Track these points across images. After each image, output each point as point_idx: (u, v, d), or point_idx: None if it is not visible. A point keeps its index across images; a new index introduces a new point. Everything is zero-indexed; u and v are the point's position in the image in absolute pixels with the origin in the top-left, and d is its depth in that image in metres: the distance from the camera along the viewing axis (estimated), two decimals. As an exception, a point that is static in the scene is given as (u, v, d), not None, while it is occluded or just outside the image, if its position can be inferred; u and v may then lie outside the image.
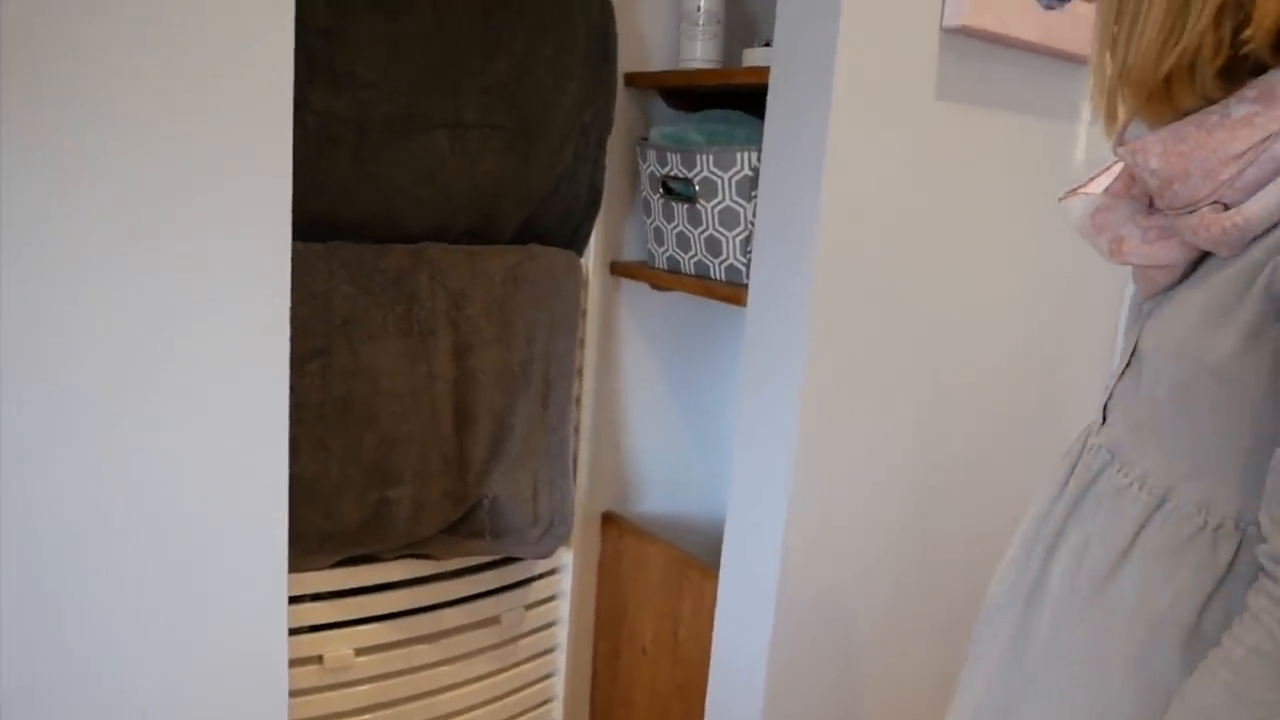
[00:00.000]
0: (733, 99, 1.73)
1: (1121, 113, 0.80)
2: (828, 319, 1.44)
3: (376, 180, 1.37)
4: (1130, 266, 0.83)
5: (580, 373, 1.73)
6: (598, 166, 1.62)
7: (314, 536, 1.42)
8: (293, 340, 1.35)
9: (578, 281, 1.63)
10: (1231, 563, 0.76)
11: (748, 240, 1.57)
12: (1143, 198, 0.83)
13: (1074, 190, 0.87)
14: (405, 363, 1.43)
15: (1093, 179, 0.87)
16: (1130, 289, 0.93)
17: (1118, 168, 0.85)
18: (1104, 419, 0.89)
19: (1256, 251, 0.72)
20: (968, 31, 1.49)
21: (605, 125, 1.60)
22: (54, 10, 0.86)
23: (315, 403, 1.38)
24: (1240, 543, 0.76)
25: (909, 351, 1.56)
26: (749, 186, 1.54)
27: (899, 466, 1.61)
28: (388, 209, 1.40)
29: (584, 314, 1.69)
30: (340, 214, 1.37)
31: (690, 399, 1.98)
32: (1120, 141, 0.80)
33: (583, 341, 1.71)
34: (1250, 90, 0.72)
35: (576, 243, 1.65)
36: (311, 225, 1.35)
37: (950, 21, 1.47)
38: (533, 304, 1.56)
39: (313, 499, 1.40)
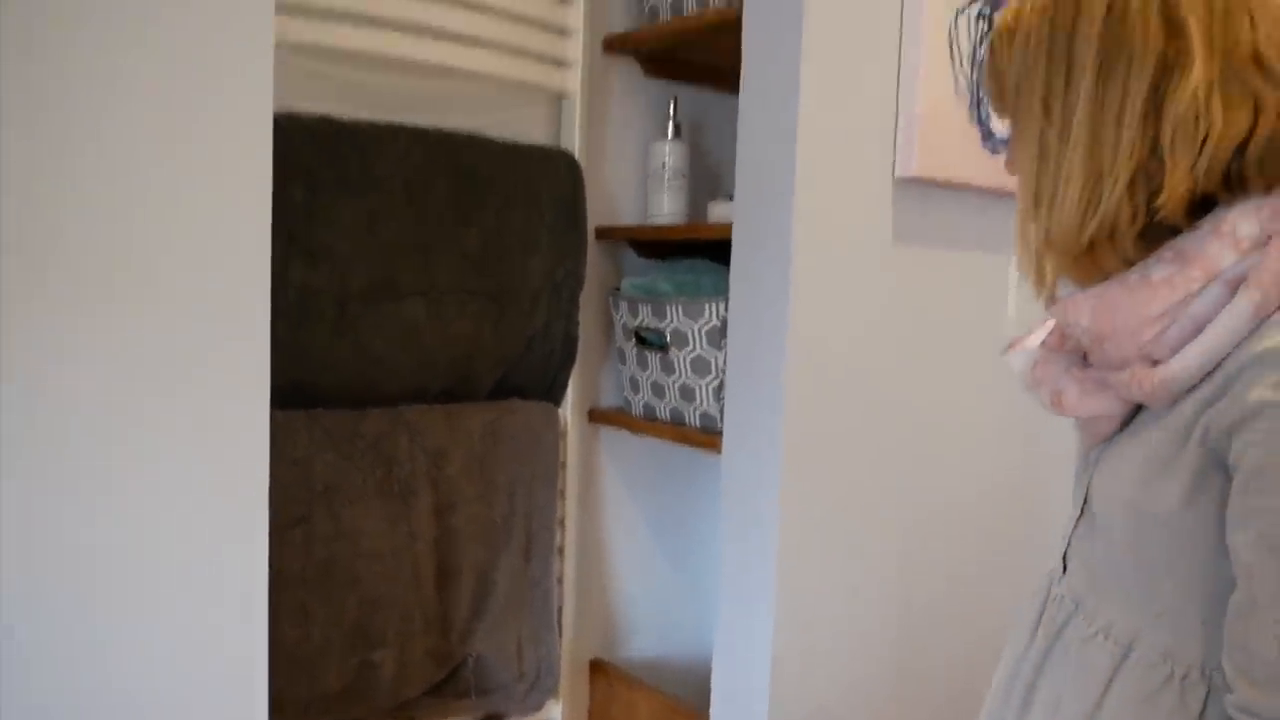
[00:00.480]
0: (701, 247, 1.80)
1: (1049, 273, 0.85)
2: (800, 461, 1.47)
3: (355, 348, 1.42)
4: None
5: (562, 523, 1.74)
6: (571, 321, 1.67)
7: (297, 704, 1.41)
8: (275, 507, 1.37)
9: (556, 433, 1.66)
10: (1202, 712, 0.77)
11: (720, 387, 1.60)
12: (1077, 351, 0.87)
13: (1014, 344, 0.91)
14: (386, 524, 1.45)
15: (1031, 332, 0.91)
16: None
17: (1052, 321, 0.89)
18: (1064, 567, 0.90)
19: (1187, 406, 0.75)
20: (919, 180, 1.56)
21: (577, 282, 1.66)
22: (50, 203, 0.91)
23: (297, 569, 1.39)
24: (1208, 691, 0.77)
25: (884, 484, 1.58)
26: (719, 335, 1.58)
27: (881, 596, 1.61)
28: (366, 374, 1.44)
29: (563, 464, 1.72)
30: (320, 381, 1.41)
31: (673, 542, 1.99)
32: (1051, 300, 0.84)
33: (563, 492, 1.73)
34: (1167, 252, 0.76)
35: (554, 393, 1.69)
36: (293, 393, 1.38)
37: (901, 172, 1.55)
38: (512, 459, 1.58)
39: (295, 666, 1.39)
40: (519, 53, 1.62)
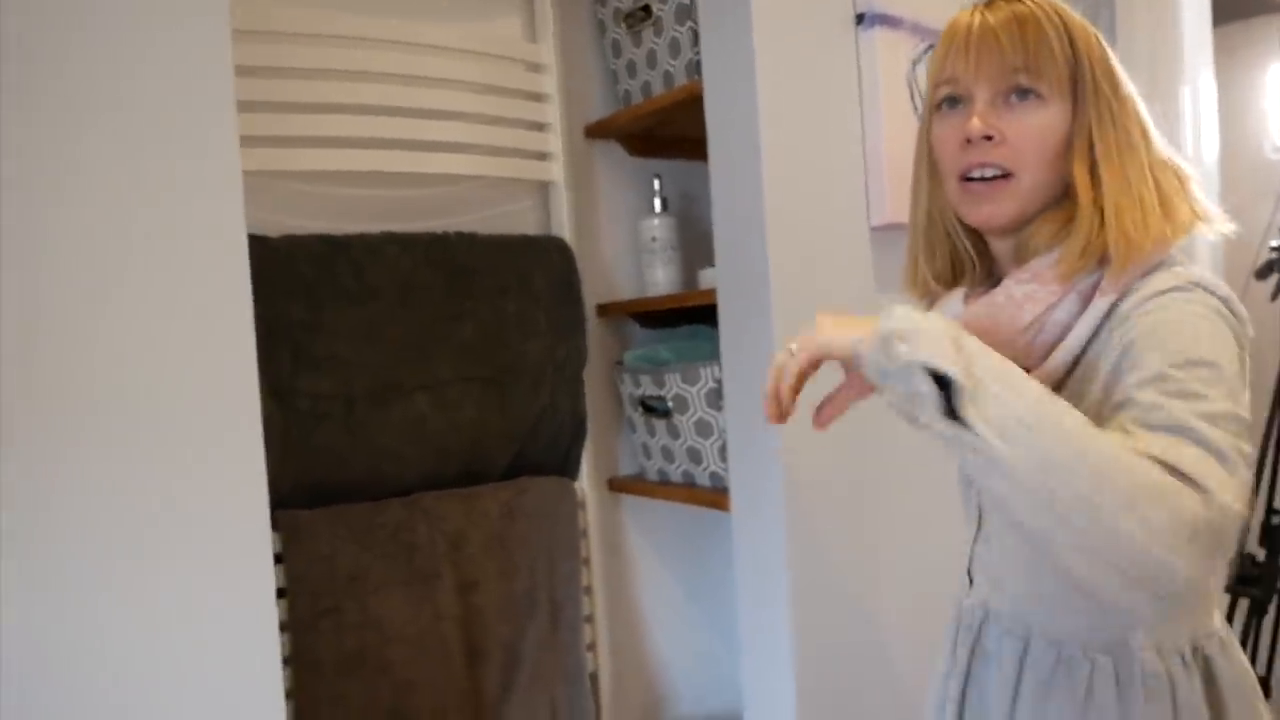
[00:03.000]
0: (700, 312, 1.86)
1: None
2: (804, 512, 1.50)
3: (367, 445, 1.51)
4: None
5: (590, 590, 1.79)
6: (577, 396, 1.74)
7: (341, 790, 1.48)
8: (304, 600, 1.46)
9: (573, 505, 1.73)
10: (1089, 690, 0.84)
11: (724, 447, 1.65)
12: None
13: None
14: (412, 609, 1.52)
15: None
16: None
17: None
18: (970, 581, 0.96)
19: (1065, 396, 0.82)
20: (894, 226, 1.61)
21: (579, 359, 1.74)
22: (49, 338, 1.01)
23: (330, 660, 1.47)
24: (1091, 669, 0.84)
25: (889, 526, 1.60)
26: (717, 397, 1.64)
27: (898, 638, 1.62)
28: (380, 469, 1.53)
29: (585, 533, 1.78)
30: (338, 479, 1.50)
31: (703, 602, 2.02)
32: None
33: (587, 560, 1.79)
34: (1024, 274, 0.86)
35: (568, 468, 1.76)
36: (313, 494, 1.48)
37: (875, 221, 1.60)
38: (531, 534, 1.65)
39: (337, 753, 1.46)
40: (504, 152, 1.73)
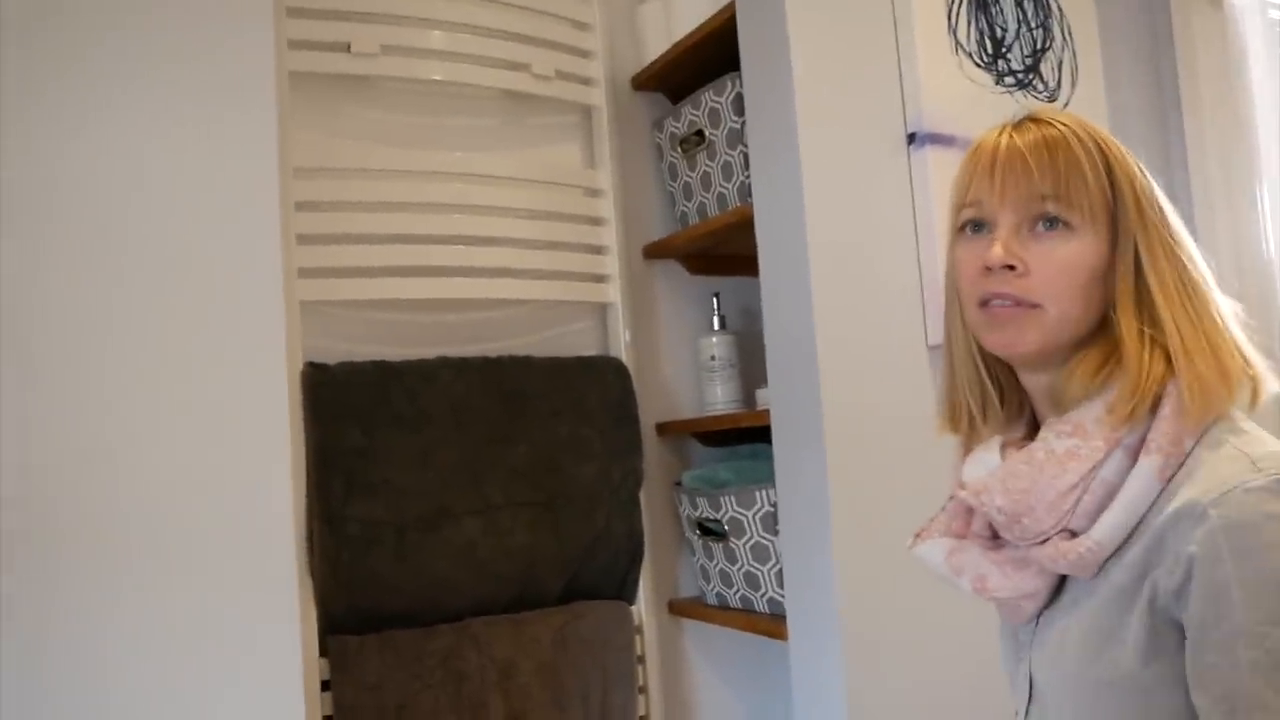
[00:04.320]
0: (764, 431, 1.83)
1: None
2: (862, 644, 1.44)
3: (417, 571, 1.51)
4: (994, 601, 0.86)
5: (647, 719, 1.73)
6: (634, 518, 1.72)
7: None
8: (352, 732, 1.44)
9: (630, 631, 1.69)
10: None
11: (781, 572, 1.61)
12: (984, 533, 0.86)
13: (918, 536, 0.91)
14: (460, 740, 1.49)
15: (931, 521, 0.91)
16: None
17: (952, 506, 0.89)
18: None
19: (1117, 571, 0.76)
20: (953, 347, 1.57)
21: (635, 480, 1.72)
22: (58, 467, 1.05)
23: (378, 791, 1.44)
24: None
25: (948, 656, 1.52)
26: (773, 521, 1.60)
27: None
28: (430, 594, 1.52)
29: (641, 660, 1.73)
30: (387, 605, 1.50)
31: (773, 730, 1.94)
32: (960, 486, 0.85)
33: (644, 688, 1.74)
34: (1064, 425, 0.79)
35: (625, 591, 1.73)
36: (362, 619, 1.48)
37: (934, 340, 1.56)
38: (584, 661, 1.61)
39: None
40: (562, 275, 1.76)
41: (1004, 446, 0.86)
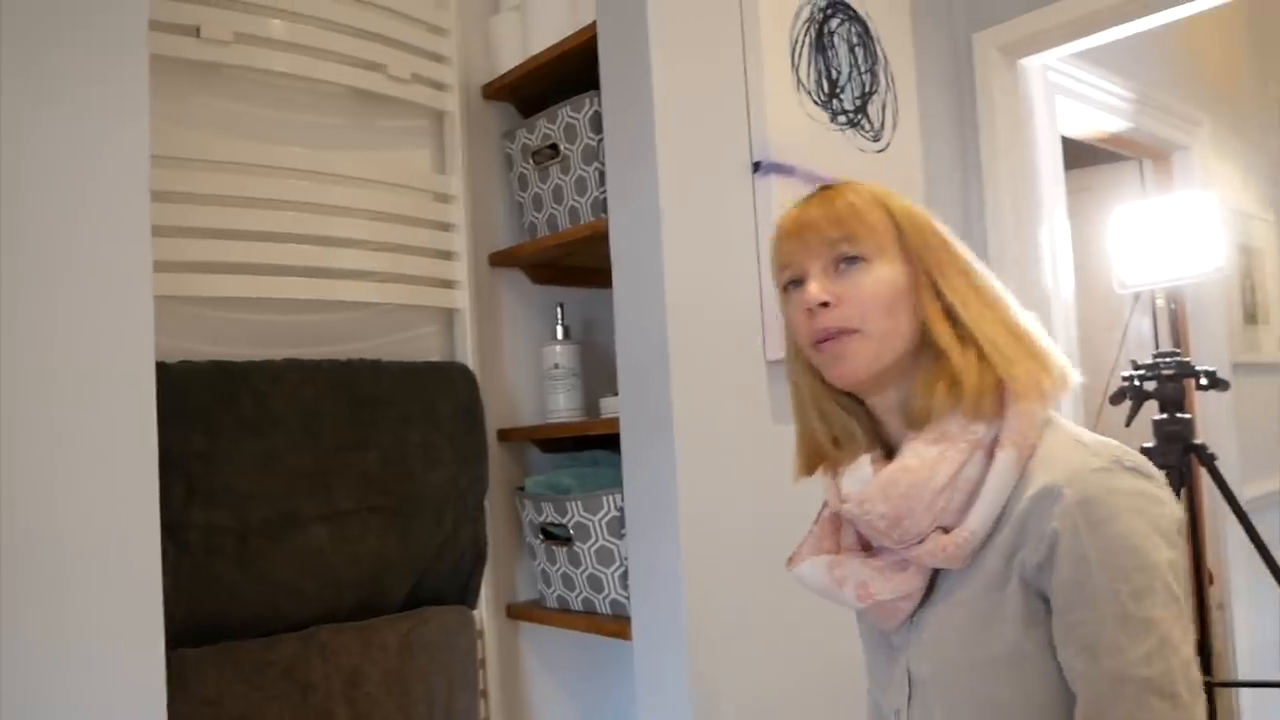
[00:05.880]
0: (601, 439, 1.89)
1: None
2: (706, 641, 1.52)
3: (261, 579, 1.46)
4: (856, 610, 0.97)
5: (487, 724, 1.75)
6: (479, 525, 1.73)
7: None
8: (187, 751, 1.38)
9: (472, 636, 1.70)
10: None
11: (625, 574, 1.67)
12: (856, 545, 0.97)
13: (792, 559, 1.02)
14: (303, 753, 1.46)
15: (801, 545, 1.02)
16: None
17: (818, 529, 1.02)
18: None
19: (989, 557, 0.88)
20: (789, 361, 1.68)
21: (481, 487, 1.74)
22: None
23: (214, 810, 1.39)
24: None
25: (793, 653, 1.63)
26: (618, 525, 1.66)
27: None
28: (274, 603, 1.48)
29: (482, 664, 1.74)
30: (228, 615, 1.44)
31: (604, 729, 1.99)
32: (840, 500, 0.95)
33: (484, 691, 1.75)
34: (931, 434, 0.91)
35: (468, 596, 1.73)
36: (200, 630, 1.42)
37: (772, 356, 1.67)
38: (429, 667, 1.61)
39: None
40: (410, 279, 1.75)
41: (874, 463, 0.96)
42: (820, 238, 0.94)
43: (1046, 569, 0.83)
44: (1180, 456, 2.19)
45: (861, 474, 0.95)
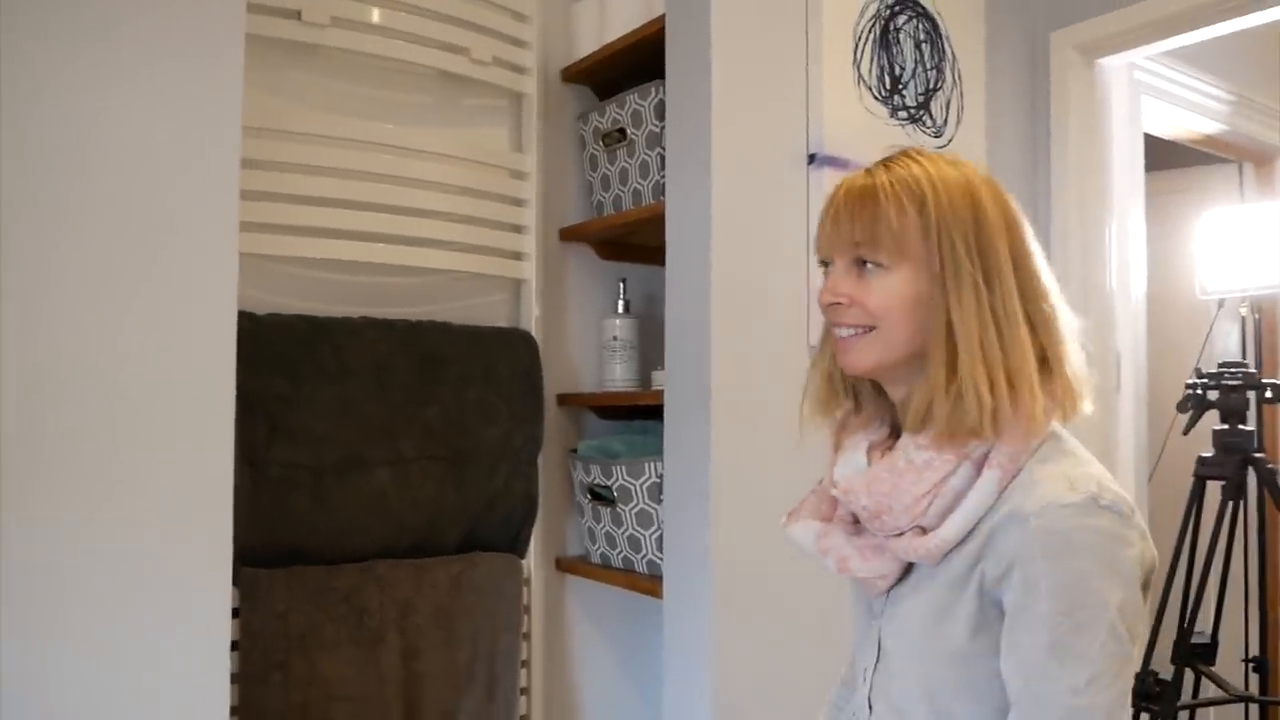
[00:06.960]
0: (655, 409, 2.00)
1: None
2: (732, 607, 1.62)
3: (329, 513, 1.63)
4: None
5: (527, 664, 1.89)
6: (531, 480, 1.87)
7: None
8: (256, 655, 1.56)
9: (519, 583, 1.84)
10: None
11: (661, 538, 1.78)
12: (848, 519, 1.04)
13: (791, 516, 1.08)
14: (356, 670, 1.62)
15: (802, 504, 1.09)
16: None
17: (821, 490, 1.07)
18: (870, 708, 1.04)
19: (956, 561, 0.93)
20: (832, 347, 1.75)
21: (535, 446, 1.87)
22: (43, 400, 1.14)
23: (276, 711, 1.56)
24: None
25: (814, 625, 1.72)
26: (658, 491, 1.77)
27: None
28: (340, 536, 1.64)
29: (528, 609, 1.89)
30: (299, 543, 1.62)
31: (636, 683, 2.12)
32: (832, 483, 1.02)
33: (528, 635, 1.89)
34: (923, 439, 0.95)
35: (518, 546, 1.87)
36: (274, 554, 1.59)
37: (815, 340, 1.75)
38: (476, 607, 1.76)
39: (274, 804, 1.55)
40: (482, 250, 1.88)
41: (870, 449, 1.02)
42: (844, 235, 0.96)
43: (1003, 584, 0.88)
44: (1237, 469, 2.18)
45: (856, 459, 1.01)
